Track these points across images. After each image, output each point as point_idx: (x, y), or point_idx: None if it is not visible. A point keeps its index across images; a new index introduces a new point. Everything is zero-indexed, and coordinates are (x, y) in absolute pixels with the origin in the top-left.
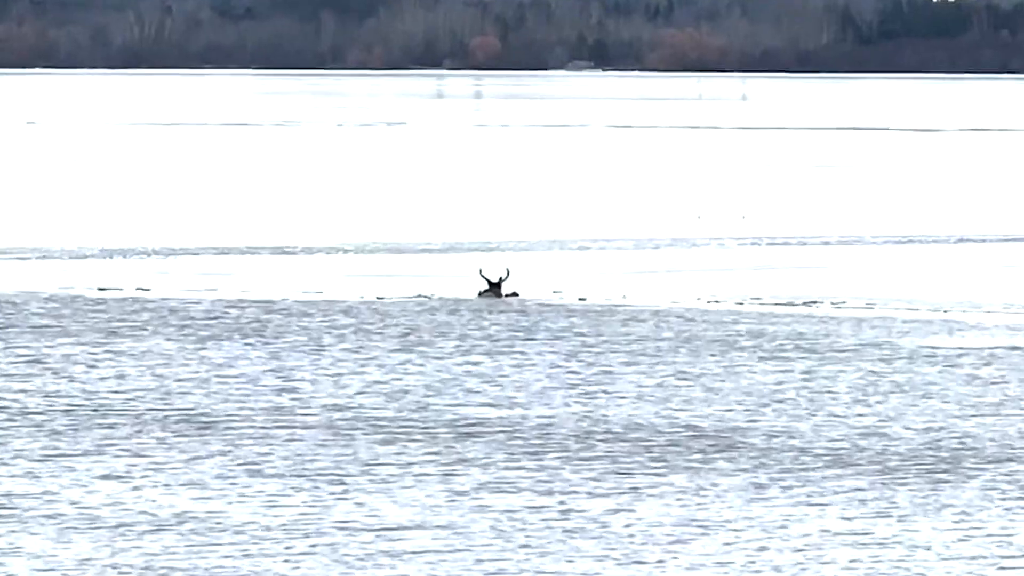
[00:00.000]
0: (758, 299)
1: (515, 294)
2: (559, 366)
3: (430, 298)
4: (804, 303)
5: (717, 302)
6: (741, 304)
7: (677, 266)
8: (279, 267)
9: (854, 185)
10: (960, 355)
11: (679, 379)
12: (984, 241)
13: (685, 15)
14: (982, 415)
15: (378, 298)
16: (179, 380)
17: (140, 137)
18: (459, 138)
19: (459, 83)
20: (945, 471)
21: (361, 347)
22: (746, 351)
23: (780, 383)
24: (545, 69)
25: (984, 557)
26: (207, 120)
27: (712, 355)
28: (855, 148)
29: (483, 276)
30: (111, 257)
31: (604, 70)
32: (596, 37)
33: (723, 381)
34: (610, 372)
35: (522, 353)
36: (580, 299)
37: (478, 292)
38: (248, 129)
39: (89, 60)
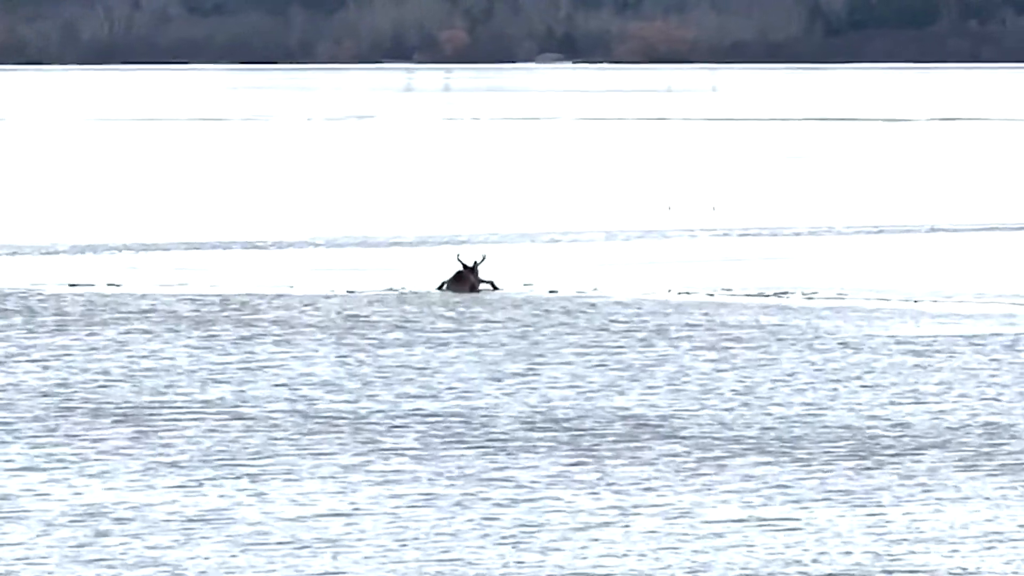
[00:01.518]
0: (728, 290)
1: (492, 285)
2: (502, 357)
3: (398, 291)
4: (775, 294)
5: (688, 293)
6: (712, 295)
7: (648, 258)
8: (250, 262)
9: (825, 175)
10: (917, 344)
11: (620, 368)
12: (956, 231)
13: (654, 7)
14: (919, 403)
15: (349, 292)
16: (105, 372)
17: (110, 133)
18: (429, 131)
19: (428, 76)
20: (864, 458)
21: (308, 340)
22: (691, 340)
23: (719, 371)
24: (514, 62)
25: (895, 543)
26: (177, 115)
27: (654, 345)
28: (825, 138)
29: (459, 260)
30: (82, 253)
31: (573, 62)
32: (565, 29)
33: (659, 368)
34: (550, 363)
35: (466, 344)
36: (551, 291)
37: (439, 284)
38: (218, 124)
39: (59, 56)
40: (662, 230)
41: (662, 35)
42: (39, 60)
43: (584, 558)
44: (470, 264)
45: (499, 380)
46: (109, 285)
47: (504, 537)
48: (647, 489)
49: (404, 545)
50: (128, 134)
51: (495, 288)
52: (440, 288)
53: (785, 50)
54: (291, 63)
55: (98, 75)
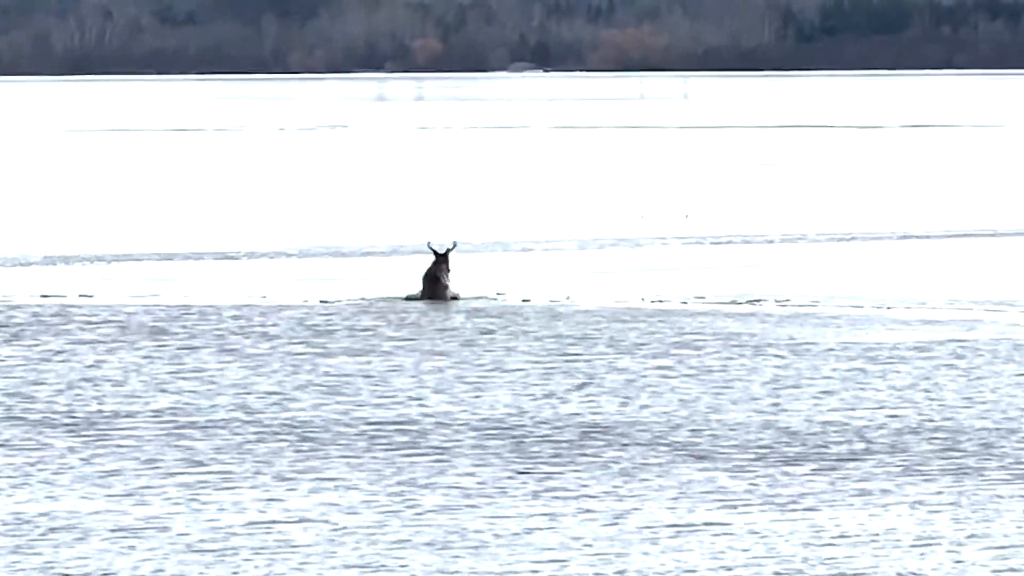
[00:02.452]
0: (702, 298)
1: (454, 296)
2: (453, 365)
3: (363, 301)
4: (748, 301)
5: (661, 301)
6: (686, 303)
7: (621, 266)
8: (223, 272)
9: (797, 183)
10: (877, 350)
11: (570, 375)
12: (928, 237)
13: (626, 15)
14: (865, 408)
15: (321, 301)
16: (47, 383)
17: (84, 144)
18: (402, 140)
19: (401, 85)
20: (805, 463)
21: (262, 351)
22: (646, 348)
23: (667, 378)
24: (487, 70)
25: (826, 546)
26: (150, 126)
27: (607, 352)
28: (798, 146)
29: (431, 247)
30: (54, 264)
31: (546, 71)
32: (538, 38)
33: (609, 375)
34: (503, 370)
35: (418, 352)
36: (524, 300)
37: (411, 295)
38: (191, 134)
39: (31, 67)
40: (635, 238)
41: (635, 43)
42: (11, 71)
43: (514, 564)
44: (442, 251)
45: (448, 388)
46: (81, 296)
47: (435, 543)
48: (583, 496)
49: (333, 555)
50: (101, 145)
51: (457, 299)
52: (413, 298)
53: (758, 57)
54: (264, 73)
55: (71, 86)
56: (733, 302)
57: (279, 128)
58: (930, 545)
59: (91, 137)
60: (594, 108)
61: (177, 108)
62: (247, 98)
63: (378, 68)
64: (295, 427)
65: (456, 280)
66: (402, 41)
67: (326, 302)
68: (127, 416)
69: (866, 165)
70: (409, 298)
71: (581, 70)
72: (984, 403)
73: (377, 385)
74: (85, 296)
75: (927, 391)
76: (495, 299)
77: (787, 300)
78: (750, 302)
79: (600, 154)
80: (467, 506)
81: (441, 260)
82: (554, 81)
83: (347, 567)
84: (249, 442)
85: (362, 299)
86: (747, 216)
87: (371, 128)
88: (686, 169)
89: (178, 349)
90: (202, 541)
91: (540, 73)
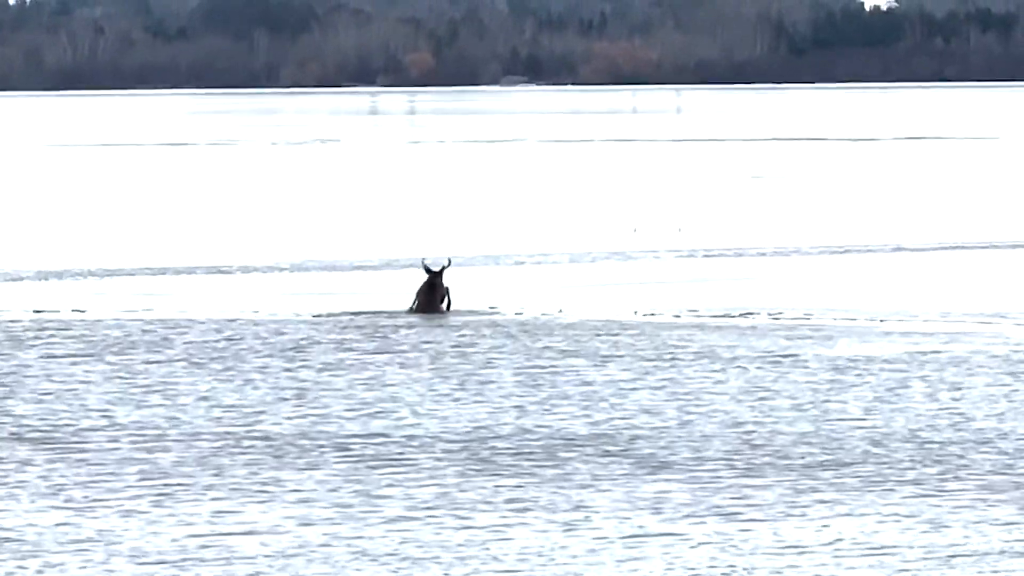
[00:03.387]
0: (695, 311)
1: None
2: (428, 378)
3: (351, 315)
4: (741, 314)
5: (653, 315)
6: (678, 316)
7: (614, 279)
8: (216, 287)
9: (790, 195)
10: (851, 362)
11: (543, 387)
12: (921, 250)
13: (618, 28)
14: (826, 420)
15: (315, 316)
16: (17, 396)
17: (75, 158)
18: (394, 154)
19: (393, 99)
20: (756, 474)
21: (227, 364)
22: (621, 360)
23: (635, 390)
24: (479, 84)
25: (763, 555)
26: (142, 140)
27: (580, 364)
28: (790, 158)
29: (425, 266)
30: (46, 279)
31: (538, 84)
32: (529, 51)
33: (578, 388)
34: (477, 383)
35: (393, 364)
36: (516, 314)
37: (409, 308)
38: (183, 149)
39: (23, 82)
40: (627, 252)
41: (627, 56)
42: (3, 86)
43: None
44: (436, 269)
45: (419, 401)
46: (74, 311)
47: (378, 557)
48: (529, 508)
49: (286, 567)
50: (93, 160)
51: (448, 308)
52: (410, 311)
53: (750, 70)
54: (255, 87)
55: (62, 101)
56: (726, 315)
57: (271, 143)
58: (881, 555)
59: (83, 152)
60: (586, 121)
61: (169, 123)
62: (239, 112)
63: (370, 82)
64: (258, 440)
65: (451, 295)
66: (394, 55)
67: (319, 316)
68: (90, 430)
69: (859, 177)
70: (410, 311)
71: (573, 83)
72: (952, 415)
73: (347, 398)
74: (78, 311)
75: (893, 403)
76: (487, 313)
77: (780, 313)
78: (743, 315)
79: (592, 167)
80: (416, 518)
81: (435, 277)
82: (546, 94)
83: None
84: (210, 455)
85: (350, 313)
86: (740, 229)
87: (363, 142)
88: (679, 182)
89: (146, 363)
90: (148, 554)
91: (532, 86)
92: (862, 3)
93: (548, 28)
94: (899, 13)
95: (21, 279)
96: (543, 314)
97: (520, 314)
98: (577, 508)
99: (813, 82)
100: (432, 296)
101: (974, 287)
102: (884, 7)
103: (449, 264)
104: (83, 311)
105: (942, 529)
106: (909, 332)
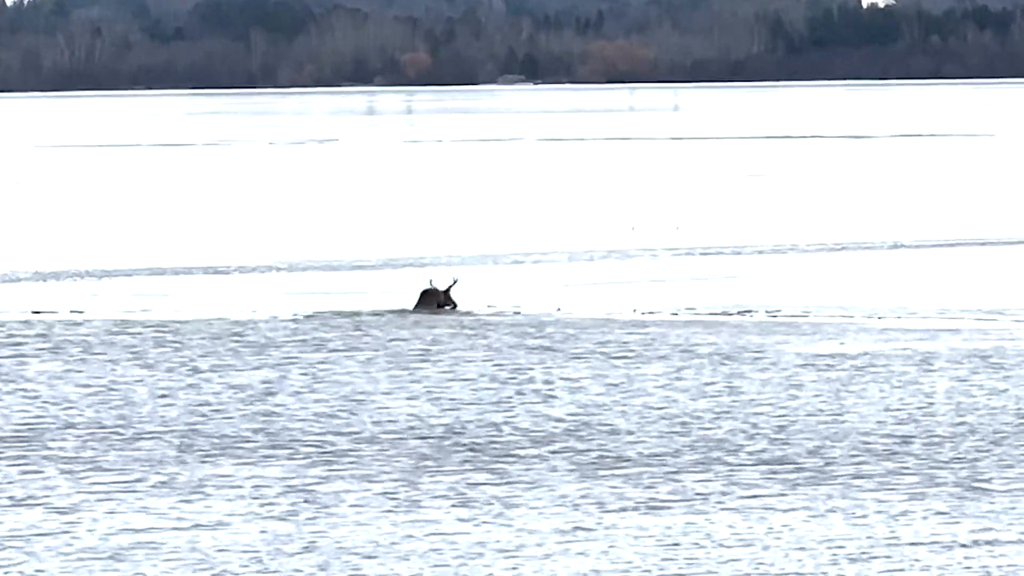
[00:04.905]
0: (692, 309)
1: (453, 304)
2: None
3: (357, 314)
4: (738, 312)
5: (651, 313)
6: (676, 314)
7: (611, 278)
8: (213, 287)
9: (787, 193)
10: (819, 359)
11: (502, 384)
12: (919, 247)
13: (615, 27)
14: (780, 415)
15: (315, 312)
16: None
17: (73, 160)
18: (391, 154)
19: (390, 99)
20: (689, 471)
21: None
22: (592, 357)
23: (580, 387)
24: (476, 83)
25: (691, 547)
26: (140, 141)
27: (548, 361)
28: (787, 156)
29: (432, 285)
30: (44, 280)
31: (535, 83)
32: (527, 51)
33: (532, 384)
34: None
35: (357, 360)
36: (515, 312)
37: (415, 305)
38: (180, 149)
39: (20, 84)
40: (625, 250)
41: (624, 55)
42: (0, 88)
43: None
44: (443, 288)
45: (378, 400)
46: (72, 312)
47: (293, 554)
48: (459, 504)
49: (195, 558)
50: (91, 161)
51: (455, 307)
52: (413, 310)
53: (747, 68)
54: (253, 88)
55: (60, 102)
56: (723, 313)
57: (269, 143)
58: (800, 548)
59: (81, 153)
60: (584, 120)
61: (166, 123)
62: (236, 113)
63: (367, 82)
64: (214, 438)
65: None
66: (391, 55)
67: (309, 315)
68: (43, 429)
69: (856, 175)
70: (415, 309)
71: (570, 82)
72: (896, 412)
73: (309, 394)
74: (76, 311)
75: (842, 400)
76: (480, 313)
77: (777, 310)
78: (740, 312)
79: (590, 166)
80: (338, 515)
81: (444, 293)
82: (543, 93)
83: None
84: (160, 452)
85: (355, 312)
86: (738, 227)
87: (361, 142)
88: (676, 180)
89: (106, 361)
90: (70, 545)
91: (529, 85)
92: (859, 1)
93: (545, 27)
94: (896, 11)
95: (18, 280)
96: (549, 312)
97: (520, 312)
98: (511, 504)
99: (810, 80)
100: (429, 297)
101: (971, 284)
102: (881, 5)
103: (455, 283)
104: (81, 311)
105: (871, 523)
106: (888, 329)
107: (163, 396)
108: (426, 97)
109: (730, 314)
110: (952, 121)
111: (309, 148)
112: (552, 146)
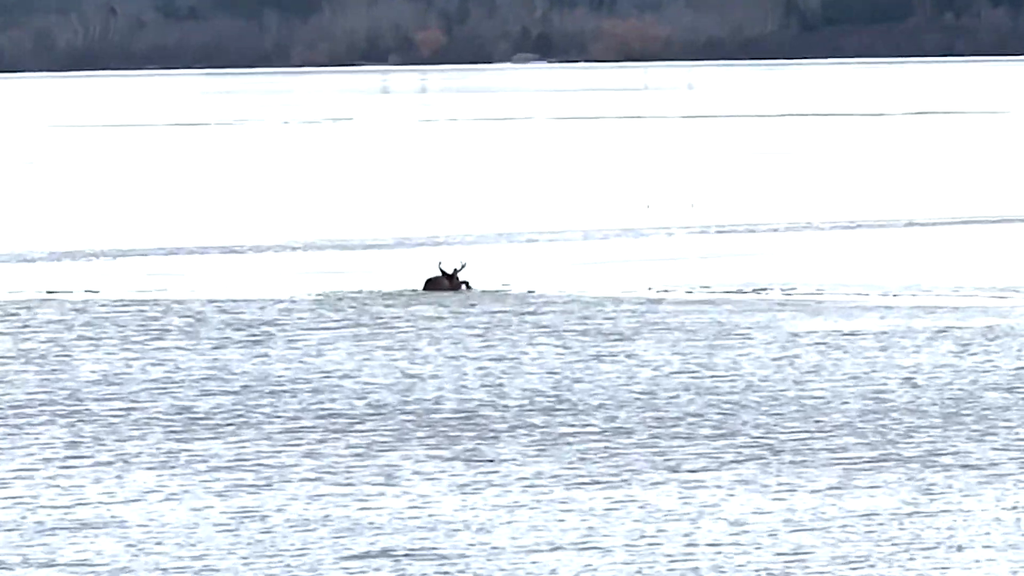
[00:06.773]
0: (707, 287)
1: (467, 284)
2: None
3: (373, 294)
4: (753, 290)
5: (667, 291)
6: (691, 292)
7: (626, 256)
8: (228, 266)
9: (802, 171)
10: (801, 337)
11: (485, 361)
12: (933, 224)
13: (628, 5)
14: (728, 391)
15: (328, 293)
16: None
17: (87, 139)
18: (406, 133)
19: (404, 78)
20: (622, 446)
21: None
22: (585, 336)
23: (541, 363)
24: (490, 62)
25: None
26: (153, 121)
27: (536, 338)
28: (802, 134)
29: (440, 269)
30: (59, 260)
31: (549, 62)
32: (540, 29)
33: (508, 361)
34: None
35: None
36: (529, 291)
37: (423, 286)
38: (194, 129)
39: (33, 63)
40: (640, 228)
41: (637, 33)
42: (14, 68)
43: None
44: (450, 271)
45: (366, 376)
46: (87, 291)
47: (275, 525)
48: (410, 478)
49: (191, 541)
50: (104, 140)
51: (469, 288)
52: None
53: (760, 46)
54: (266, 67)
55: (73, 82)
56: (739, 291)
57: (283, 122)
58: (738, 525)
59: (95, 133)
60: (597, 99)
61: (180, 103)
62: (250, 92)
63: (381, 61)
64: (175, 415)
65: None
66: (405, 34)
67: (333, 293)
68: (12, 407)
69: (870, 153)
70: (425, 289)
71: (584, 61)
72: (855, 388)
73: (306, 372)
74: (91, 291)
75: (808, 373)
76: (500, 290)
77: (792, 288)
78: (755, 291)
79: (605, 144)
80: (282, 490)
81: (449, 277)
82: (557, 72)
83: (160, 545)
84: (129, 428)
85: (369, 291)
86: (752, 205)
87: (375, 121)
88: (691, 159)
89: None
90: (24, 518)
91: (543, 64)
92: None
93: (559, 6)
94: None
95: (34, 260)
96: (560, 291)
97: (534, 292)
98: (462, 481)
99: (824, 58)
100: (435, 285)
101: (986, 261)
102: None
103: (463, 267)
104: (96, 291)
105: (801, 498)
106: (890, 307)
107: (172, 373)
108: (440, 76)
109: (744, 292)
110: (966, 98)
111: (323, 127)
112: (566, 124)
